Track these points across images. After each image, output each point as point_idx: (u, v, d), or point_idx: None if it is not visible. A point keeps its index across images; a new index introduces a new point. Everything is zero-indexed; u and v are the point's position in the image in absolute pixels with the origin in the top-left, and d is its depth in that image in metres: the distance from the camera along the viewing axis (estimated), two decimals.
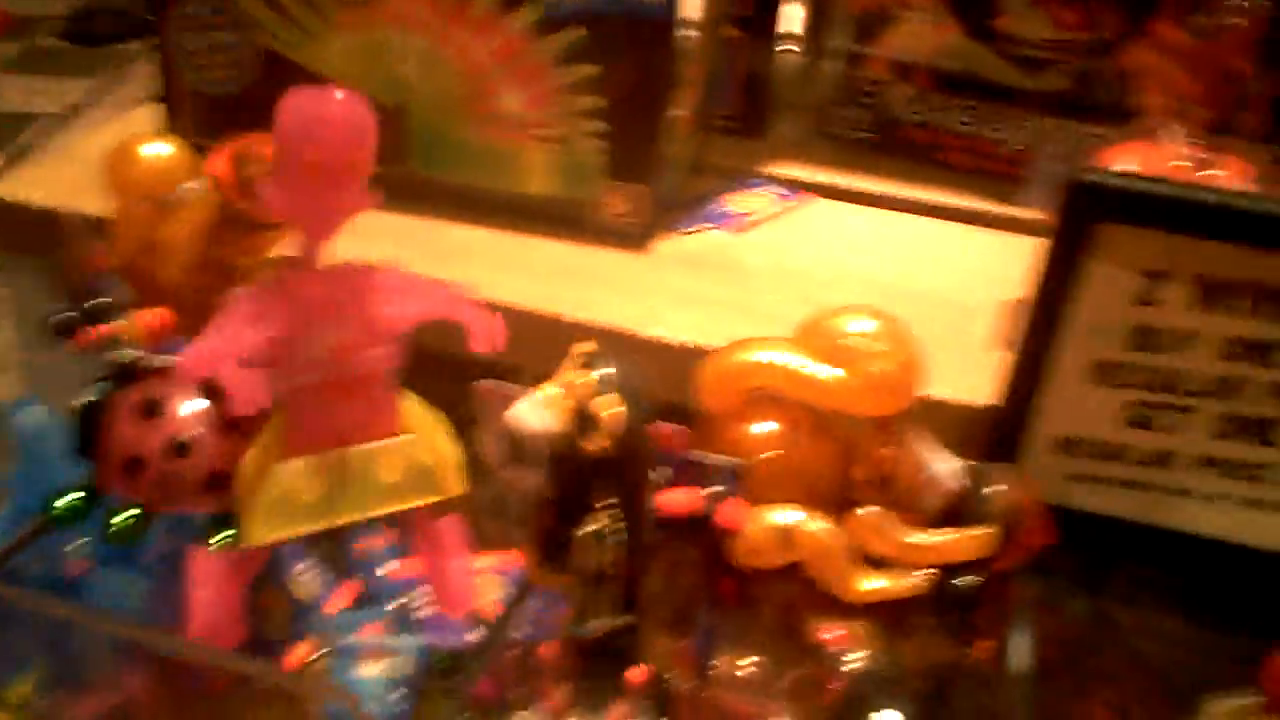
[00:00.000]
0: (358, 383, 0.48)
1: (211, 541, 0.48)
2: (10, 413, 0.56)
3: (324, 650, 0.52)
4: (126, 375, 0.51)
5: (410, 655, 0.52)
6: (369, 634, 0.53)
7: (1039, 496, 0.58)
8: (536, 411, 0.50)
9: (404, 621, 0.54)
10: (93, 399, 0.51)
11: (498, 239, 0.77)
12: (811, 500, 0.56)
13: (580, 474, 0.50)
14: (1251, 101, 0.82)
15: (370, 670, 0.51)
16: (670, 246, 0.79)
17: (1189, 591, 0.62)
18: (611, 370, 0.50)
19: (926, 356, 0.57)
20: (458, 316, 0.48)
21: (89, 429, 0.51)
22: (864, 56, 0.91)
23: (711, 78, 0.84)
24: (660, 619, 0.58)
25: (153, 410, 0.50)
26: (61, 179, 0.79)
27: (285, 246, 0.61)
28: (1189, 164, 0.68)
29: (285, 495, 0.48)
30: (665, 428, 0.55)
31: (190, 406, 0.50)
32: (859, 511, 0.56)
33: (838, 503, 0.56)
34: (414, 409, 0.50)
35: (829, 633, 0.57)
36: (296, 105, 0.45)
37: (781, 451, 0.57)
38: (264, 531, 0.48)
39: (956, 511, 0.58)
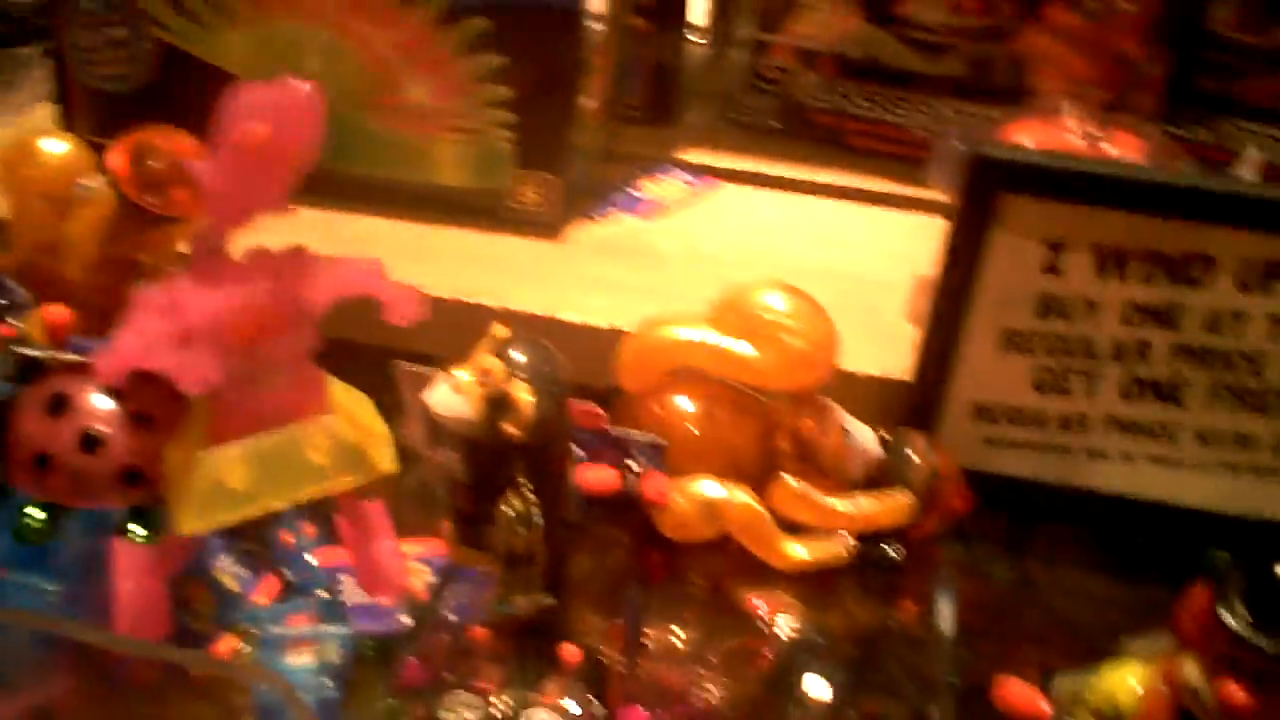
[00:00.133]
0: (278, 366, 0.47)
1: (133, 533, 0.47)
2: None
3: (250, 641, 0.51)
4: (31, 372, 0.50)
5: (338, 643, 0.51)
6: (296, 624, 0.52)
7: (958, 462, 0.59)
8: (450, 397, 0.49)
9: (331, 610, 0.53)
10: None
11: (410, 230, 0.77)
12: (734, 473, 0.56)
13: (496, 457, 0.50)
14: (1145, 82, 0.84)
15: (299, 659, 0.50)
16: (583, 234, 0.79)
17: (1106, 549, 0.64)
18: (524, 356, 0.50)
19: (841, 332, 0.58)
20: (372, 291, 0.48)
21: None
22: (769, 45, 0.92)
23: (620, 68, 0.84)
24: (590, 597, 0.58)
25: (59, 406, 0.48)
26: None
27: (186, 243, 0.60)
28: (1083, 140, 0.70)
29: (216, 483, 0.47)
30: (585, 406, 0.55)
31: (98, 401, 0.48)
32: (783, 481, 0.57)
33: (760, 475, 0.57)
34: (336, 390, 0.50)
35: (758, 602, 0.58)
36: (256, 89, 0.44)
37: (701, 429, 0.57)
38: (198, 521, 0.47)
39: (877, 479, 0.59)
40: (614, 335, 0.63)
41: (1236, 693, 0.38)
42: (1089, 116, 0.72)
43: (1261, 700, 0.37)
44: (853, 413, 0.59)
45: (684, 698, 0.53)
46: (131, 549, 0.48)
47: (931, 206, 0.81)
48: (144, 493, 0.49)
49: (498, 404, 0.49)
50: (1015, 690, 0.46)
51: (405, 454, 0.57)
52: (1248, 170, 0.79)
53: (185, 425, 0.48)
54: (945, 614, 0.56)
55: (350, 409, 0.49)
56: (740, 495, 0.56)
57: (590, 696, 0.52)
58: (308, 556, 0.56)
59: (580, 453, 0.54)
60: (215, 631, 0.52)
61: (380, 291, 0.47)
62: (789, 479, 0.57)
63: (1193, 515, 0.63)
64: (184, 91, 0.64)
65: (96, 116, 0.77)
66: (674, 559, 0.57)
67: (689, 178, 0.87)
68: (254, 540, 0.55)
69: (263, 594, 0.54)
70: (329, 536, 0.55)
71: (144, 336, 0.46)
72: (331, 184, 0.77)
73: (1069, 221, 0.59)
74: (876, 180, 0.87)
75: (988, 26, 0.86)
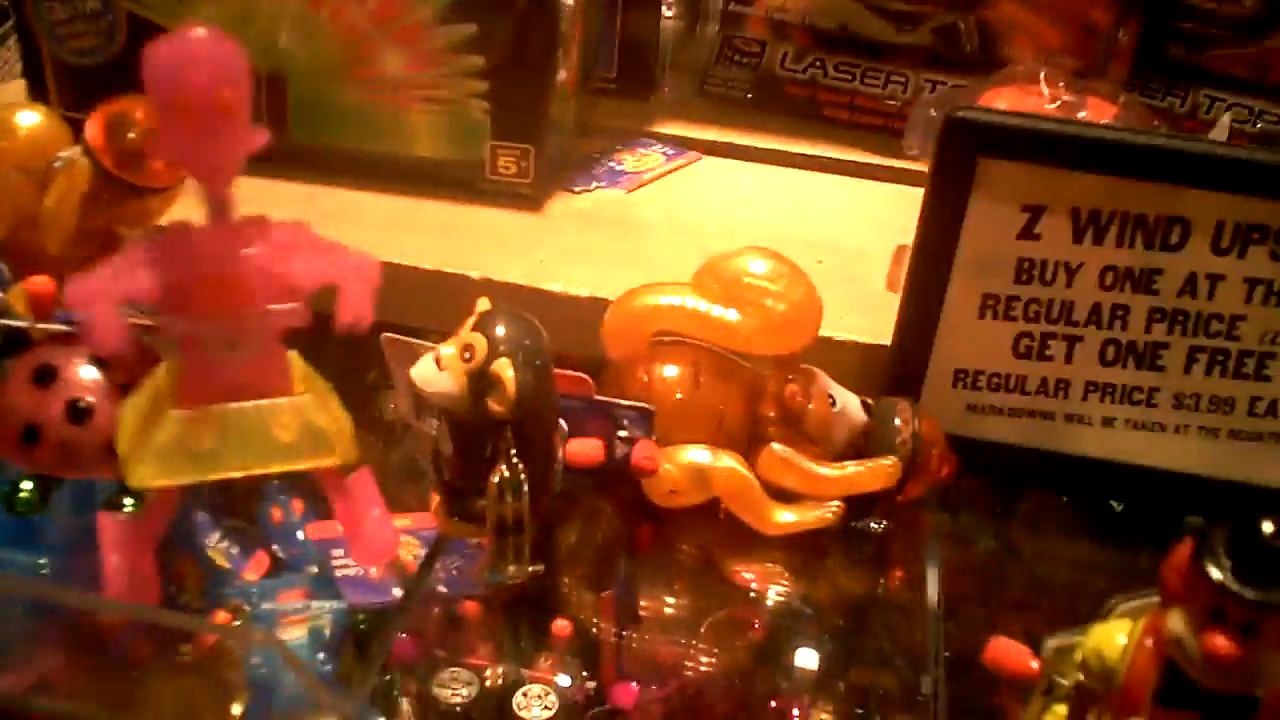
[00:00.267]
0: (252, 338, 0.47)
1: (126, 506, 0.47)
2: None
3: (241, 617, 0.50)
4: (16, 345, 0.49)
5: (330, 618, 0.51)
6: (287, 599, 0.52)
7: (942, 428, 0.60)
8: (434, 373, 0.49)
9: (322, 585, 0.53)
10: None
11: (388, 202, 0.76)
12: (721, 440, 0.57)
13: (481, 430, 0.50)
14: (1115, 51, 0.85)
15: (291, 634, 0.50)
16: (563, 205, 0.79)
17: (1090, 514, 0.64)
18: (506, 331, 0.50)
19: (823, 299, 0.58)
20: (340, 281, 0.47)
21: None
22: (742, 17, 0.92)
23: (594, 40, 0.84)
24: (580, 569, 0.58)
25: (47, 376, 0.48)
26: None
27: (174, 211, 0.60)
28: (1058, 106, 0.71)
29: (175, 441, 0.46)
30: (572, 374, 0.55)
31: (85, 372, 0.48)
32: (770, 447, 0.57)
33: (747, 441, 0.57)
34: (306, 374, 0.49)
35: (748, 572, 0.58)
36: (158, 51, 0.42)
37: (687, 395, 0.57)
38: (150, 475, 0.46)
39: (862, 445, 0.59)
40: (597, 305, 0.63)
41: (1222, 643, 0.38)
42: (1063, 82, 0.72)
43: (1246, 650, 0.38)
44: (836, 380, 0.60)
45: (675, 671, 0.53)
46: (116, 521, 0.48)
47: (908, 176, 0.82)
48: None
49: (481, 380, 0.49)
50: (1004, 648, 0.46)
51: (393, 427, 0.57)
52: (1220, 138, 0.80)
53: (146, 381, 0.47)
54: (932, 580, 0.57)
55: (319, 393, 0.49)
56: (727, 460, 0.56)
57: (583, 671, 0.52)
58: (298, 533, 0.55)
59: (567, 424, 0.54)
60: (207, 608, 0.51)
61: (346, 285, 0.47)
62: (775, 445, 0.57)
63: (1173, 479, 0.63)
64: None
65: (67, 91, 0.76)
66: (662, 529, 0.58)
67: (668, 150, 0.86)
68: (243, 517, 0.55)
69: (253, 571, 0.54)
70: (319, 512, 0.54)
71: (104, 282, 0.45)
72: (312, 157, 0.76)
73: (1047, 185, 0.60)
74: (851, 150, 0.87)
75: None
